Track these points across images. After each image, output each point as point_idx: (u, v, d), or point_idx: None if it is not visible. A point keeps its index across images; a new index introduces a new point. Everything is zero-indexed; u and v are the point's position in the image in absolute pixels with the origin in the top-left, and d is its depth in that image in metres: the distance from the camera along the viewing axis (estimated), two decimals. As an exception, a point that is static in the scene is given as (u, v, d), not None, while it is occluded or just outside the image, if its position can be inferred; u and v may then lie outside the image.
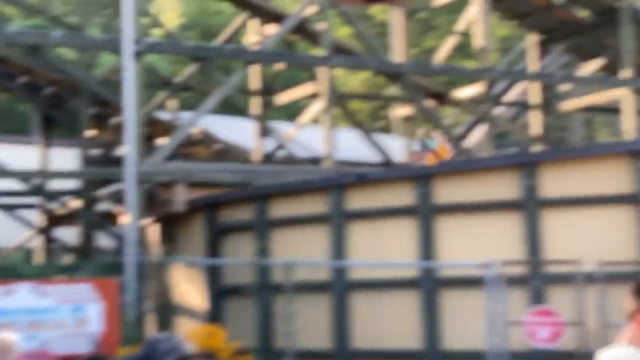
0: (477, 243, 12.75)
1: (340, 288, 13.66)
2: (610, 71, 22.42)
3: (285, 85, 22.39)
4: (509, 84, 27.21)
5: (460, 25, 21.74)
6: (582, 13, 22.48)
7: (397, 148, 20.73)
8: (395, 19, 21.21)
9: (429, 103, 19.79)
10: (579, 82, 22.87)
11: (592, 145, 26.04)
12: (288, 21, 17.44)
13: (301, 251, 13.80)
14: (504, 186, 12.88)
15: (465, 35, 22.12)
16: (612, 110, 27.63)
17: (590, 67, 22.72)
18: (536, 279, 12.26)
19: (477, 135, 23.83)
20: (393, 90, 25.24)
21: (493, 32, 51.05)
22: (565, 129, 35.12)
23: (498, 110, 26.75)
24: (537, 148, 20.78)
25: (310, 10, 17.89)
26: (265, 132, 20.12)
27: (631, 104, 20.46)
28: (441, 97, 20.12)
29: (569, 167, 12.76)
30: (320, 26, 17.84)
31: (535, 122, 21.77)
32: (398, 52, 20.73)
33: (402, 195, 13.50)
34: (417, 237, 13.22)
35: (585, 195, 12.44)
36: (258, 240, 14.43)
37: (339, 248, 13.74)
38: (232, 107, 23.29)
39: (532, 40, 22.54)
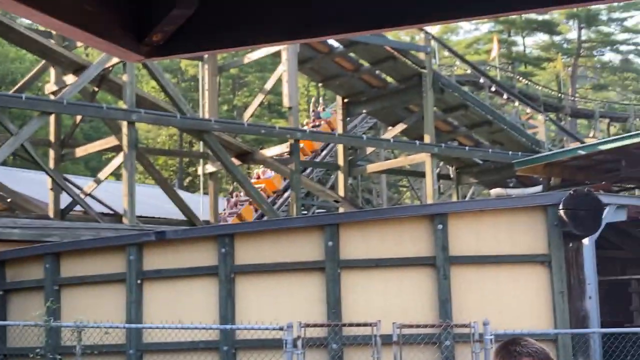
0: (279, 304, 12.47)
1: (135, 352, 12.96)
2: (412, 135, 23.10)
3: (85, 137, 21.54)
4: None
5: (269, 83, 21.78)
6: (388, 78, 23.13)
7: (203, 205, 20.29)
8: (205, 74, 20.95)
9: (235, 161, 19.54)
10: (384, 145, 23.39)
11: (393, 207, 26.62)
12: (89, 71, 16.77)
13: (95, 313, 13.01)
14: (306, 247, 12.71)
15: (277, 93, 22.22)
16: (415, 173, 28.50)
17: (394, 131, 23.32)
18: (335, 341, 12.09)
19: (284, 195, 23.82)
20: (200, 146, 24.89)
21: (304, 92, 52.09)
22: (371, 191, 35.93)
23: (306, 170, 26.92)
24: (342, 209, 20.94)
25: (114, 61, 17.29)
26: (60, 186, 19.13)
27: (432, 167, 21.06)
28: (247, 156, 19.92)
29: (370, 229, 12.76)
30: (123, 78, 17.27)
31: (341, 183, 21.99)
32: (207, 108, 20.44)
33: (203, 255, 13.05)
34: (217, 298, 12.78)
35: (385, 257, 12.46)
36: (48, 300, 13.50)
37: (135, 310, 13.07)
38: (26, 158, 22.10)
39: (338, 102, 22.91)
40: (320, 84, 29.19)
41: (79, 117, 20.33)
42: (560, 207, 12.17)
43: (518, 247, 12.54)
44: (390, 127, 23.93)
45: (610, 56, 62.49)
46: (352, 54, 22.01)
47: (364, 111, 25.06)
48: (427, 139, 21.15)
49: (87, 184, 20.83)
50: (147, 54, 2.06)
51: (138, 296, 13.10)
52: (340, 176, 22.41)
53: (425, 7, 2.05)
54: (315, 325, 11.88)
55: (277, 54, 19.97)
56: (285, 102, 19.69)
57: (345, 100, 22.87)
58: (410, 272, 12.48)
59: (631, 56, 61.83)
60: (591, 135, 47.38)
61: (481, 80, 35.17)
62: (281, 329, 11.04)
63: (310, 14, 2.06)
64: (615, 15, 59.90)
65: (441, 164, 27.20)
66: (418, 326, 11.69)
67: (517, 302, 12.35)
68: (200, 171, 23.24)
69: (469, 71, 37.46)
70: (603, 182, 20.26)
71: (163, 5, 1.98)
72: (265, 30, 2.09)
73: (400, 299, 12.26)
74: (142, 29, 2.05)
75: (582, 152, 19.71)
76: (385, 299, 12.28)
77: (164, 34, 2.04)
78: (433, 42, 25.67)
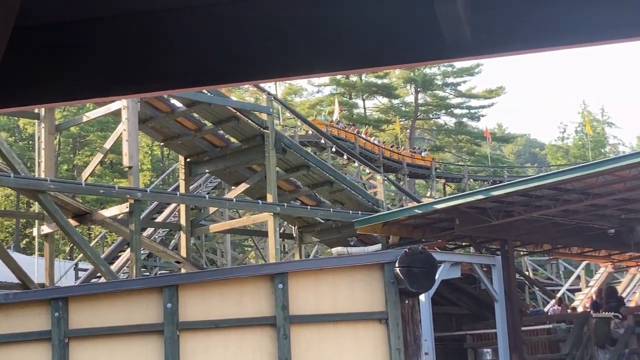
0: (116, 369, 12.07)
1: None
2: (256, 195, 23.19)
3: None
4: (161, 203, 27.15)
5: (109, 142, 21.40)
6: (231, 138, 23.20)
7: (38, 268, 19.54)
8: (41, 132, 20.37)
9: (72, 222, 18.99)
10: (227, 205, 23.34)
11: (233, 267, 26.50)
12: None
13: None
14: (144, 309, 12.41)
15: (119, 152, 21.85)
16: (259, 232, 28.52)
17: (237, 190, 23.33)
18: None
19: (125, 256, 23.30)
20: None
21: (148, 151, 51.44)
22: (215, 251, 35.68)
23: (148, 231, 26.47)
24: (184, 269, 20.67)
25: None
26: None
27: (274, 227, 21.16)
28: (85, 216, 19.41)
29: (210, 290, 12.63)
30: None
31: (183, 244, 21.72)
32: (44, 168, 19.83)
33: (36, 320, 12.51)
34: (50, 364, 12.24)
35: (225, 317, 12.35)
36: None
37: (-40, 379, 12.33)
38: None
39: (181, 161, 22.74)
40: (162, 144, 28.93)
41: None
42: (396, 265, 12.45)
43: (356, 305, 12.71)
44: (233, 187, 23.93)
45: (445, 119, 65.16)
46: (194, 114, 22.00)
47: (207, 171, 24.98)
48: (269, 198, 21.29)
49: None
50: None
51: (-36, 365, 12.39)
52: (183, 236, 22.16)
53: (237, 67, 2.10)
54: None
55: (117, 113, 19.70)
56: (125, 161, 19.37)
57: (188, 160, 22.76)
58: (251, 333, 12.40)
59: (465, 119, 64.66)
60: (428, 194, 49.06)
61: (322, 141, 35.86)
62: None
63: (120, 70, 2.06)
64: (450, 80, 62.71)
65: (285, 223, 27.40)
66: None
67: (355, 359, 12.48)
68: (35, 232, 22.43)
69: (311, 132, 38.14)
70: (439, 240, 20.95)
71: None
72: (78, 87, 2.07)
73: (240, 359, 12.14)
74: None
75: (418, 211, 20.34)
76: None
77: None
78: (276, 103, 26.02)
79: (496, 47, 2.35)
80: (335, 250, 23.46)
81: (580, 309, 24.62)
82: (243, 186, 22.74)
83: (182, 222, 22.23)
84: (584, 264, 32.95)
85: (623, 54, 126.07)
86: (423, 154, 52.65)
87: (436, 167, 52.20)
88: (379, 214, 22.35)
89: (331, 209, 24.06)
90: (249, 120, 22.03)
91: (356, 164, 36.49)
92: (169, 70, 2.11)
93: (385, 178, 33.72)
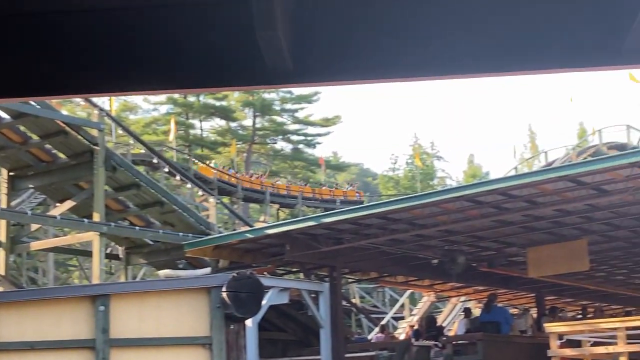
0: None
1: None
2: (82, 213, 22.47)
3: None
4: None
5: None
6: (59, 153, 22.42)
7: None
8: None
9: None
10: (50, 222, 22.51)
11: (53, 288, 25.55)
12: None
13: None
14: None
15: None
16: (84, 252, 27.64)
17: (63, 208, 22.53)
18: None
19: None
20: None
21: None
22: (37, 270, 34.29)
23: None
24: (1, 288, 19.71)
25: None
26: None
27: (99, 247, 20.57)
28: None
29: (27, 310, 12.08)
30: None
31: (1, 261, 20.74)
32: None
33: None
34: None
35: (42, 339, 11.83)
36: None
37: None
38: None
39: (4, 175, 21.77)
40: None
41: None
42: (224, 289, 12.33)
43: (181, 330, 12.48)
44: (58, 204, 23.09)
45: (282, 144, 65.70)
46: (20, 126, 21.12)
47: (31, 186, 24.01)
48: (96, 217, 20.68)
49: None
50: None
51: None
52: (2, 253, 21.16)
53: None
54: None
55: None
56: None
57: (11, 173, 21.80)
58: (68, 356, 11.93)
59: (301, 146, 65.43)
60: (262, 219, 49.18)
61: (155, 161, 35.29)
62: None
63: None
64: (288, 106, 63.35)
65: (112, 243, 26.68)
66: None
67: (177, 385, 12.23)
68: None
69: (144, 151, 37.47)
70: (269, 265, 20.96)
71: None
72: None
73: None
74: None
75: (250, 236, 20.30)
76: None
77: None
78: (108, 119, 25.39)
79: (316, 76, 2.35)
80: (164, 272, 23.03)
81: (402, 337, 25.25)
82: (69, 203, 21.98)
83: (2, 238, 21.24)
84: (408, 292, 33.87)
85: (454, 92, 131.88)
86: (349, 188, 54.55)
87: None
88: (209, 237, 22.15)
89: (161, 231, 23.65)
90: (79, 136, 21.37)
91: (189, 186, 36.13)
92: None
93: (219, 201, 33.55)
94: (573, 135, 51.75)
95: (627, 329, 15.34)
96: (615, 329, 15.50)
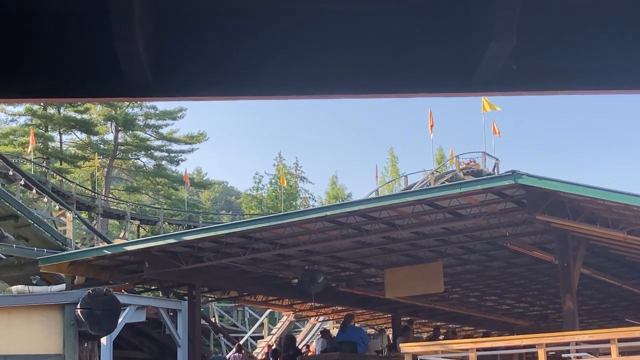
0: None
1: None
2: None
3: None
4: None
5: None
6: None
7: None
8: None
9: None
10: None
11: None
12: None
13: None
14: None
15: None
16: None
17: None
18: None
19: None
20: None
21: None
22: None
23: None
24: None
25: None
26: None
27: None
28: None
29: None
30: None
31: None
32: None
33: None
34: None
35: None
36: None
37: None
38: None
39: None
40: None
41: None
42: (78, 306, 12.04)
43: (32, 347, 12.12)
44: None
45: (144, 160, 64.66)
46: None
47: None
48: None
49: None
50: None
51: None
52: None
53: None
54: None
55: None
56: None
57: None
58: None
59: (164, 162, 64.60)
60: (122, 235, 48.22)
61: (11, 173, 34.08)
62: None
63: None
64: (152, 122, 62.47)
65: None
66: None
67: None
68: None
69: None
70: (126, 283, 20.58)
71: None
72: None
73: None
74: None
75: (107, 252, 19.88)
76: None
77: None
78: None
79: (175, 90, 2.36)
80: (16, 288, 22.21)
81: (260, 356, 25.26)
82: None
83: None
84: (268, 311, 33.94)
85: (318, 113, 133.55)
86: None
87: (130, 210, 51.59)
88: (65, 252, 21.57)
89: (14, 245, 22.85)
90: None
91: (47, 199, 35.03)
92: None
93: (77, 216, 32.70)
94: (431, 160, 53.19)
95: (478, 349, 15.86)
96: (467, 349, 16.00)
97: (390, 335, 24.53)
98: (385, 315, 28.11)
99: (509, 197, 16.05)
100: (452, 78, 2.37)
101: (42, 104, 58.18)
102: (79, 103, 58.63)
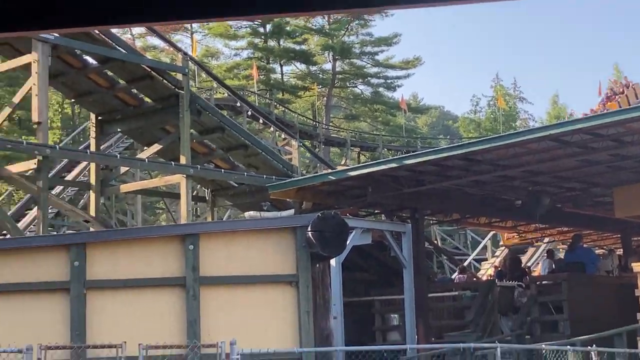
0: (21, 325, 11.86)
1: None
2: (169, 156, 22.91)
3: None
4: (70, 162, 26.59)
5: (18, 97, 20.78)
6: (145, 97, 22.80)
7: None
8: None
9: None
10: (138, 165, 23.00)
11: (143, 227, 26.21)
12: None
13: None
14: (51, 267, 12.21)
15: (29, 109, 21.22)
16: (171, 194, 28.24)
17: (150, 151, 22.99)
18: (80, 364, 11.68)
19: (32, 214, 22.78)
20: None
21: (58, 109, 50.24)
22: (126, 212, 35.22)
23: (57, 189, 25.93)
24: (93, 229, 20.35)
25: None
26: None
27: (187, 189, 20.98)
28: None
29: (119, 249, 12.50)
30: None
31: (92, 203, 21.35)
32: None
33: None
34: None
35: (134, 277, 12.24)
36: None
37: None
38: None
39: (92, 119, 22.28)
40: (73, 100, 28.32)
41: None
42: (309, 229, 12.52)
43: (268, 268, 12.76)
44: (146, 147, 23.55)
45: (362, 88, 65.41)
46: (107, 71, 21.53)
47: (119, 130, 24.54)
48: (182, 160, 21.06)
49: None
50: None
51: None
52: (92, 196, 21.77)
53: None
54: (57, 348, 11.41)
55: (27, 67, 19.13)
56: (34, 117, 18.87)
57: (99, 118, 22.30)
58: (159, 293, 12.33)
59: (381, 89, 65.04)
60: (343, 162, 49.35)
61: (238, 105, 35.61)
62: (20, 351, 10.50)
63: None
64: (368, 49, 62.90)
65: (198, 186, 27.19)
66: (165, 347, 11.56)
67: (265, 321, 12.55)
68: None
69: (227, 95, 37.83)
70: (351, 207, 21.10)
71: None
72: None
73: (149, 320, 12.08)
74: None
75: (332, 178, 20.42)
76: (133, 320, 12.05)
77: None
78: (192, 64, 25.68)
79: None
80: (248, 214, 23.37)
81: (484, 278, 25.23)
82: (156, 147, 22.42)
83: (92, 181, 21.83)
84: (490, 234, 33.71)
85: (539, 29, 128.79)
86: None
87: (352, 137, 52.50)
88: (293, 179, 22.37)
89: (245, 173, 23.97)
90: (164, 80, 21.70)
91: (272, 129, 36.41)
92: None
93: (301, 144, 33.76)
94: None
95: None
96: None
97: (620, 256, 23.71)
98: (614, 236, 27.14)
99: None
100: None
101: (262, 37, 59.98)
102: (297, 34, 59.93)
